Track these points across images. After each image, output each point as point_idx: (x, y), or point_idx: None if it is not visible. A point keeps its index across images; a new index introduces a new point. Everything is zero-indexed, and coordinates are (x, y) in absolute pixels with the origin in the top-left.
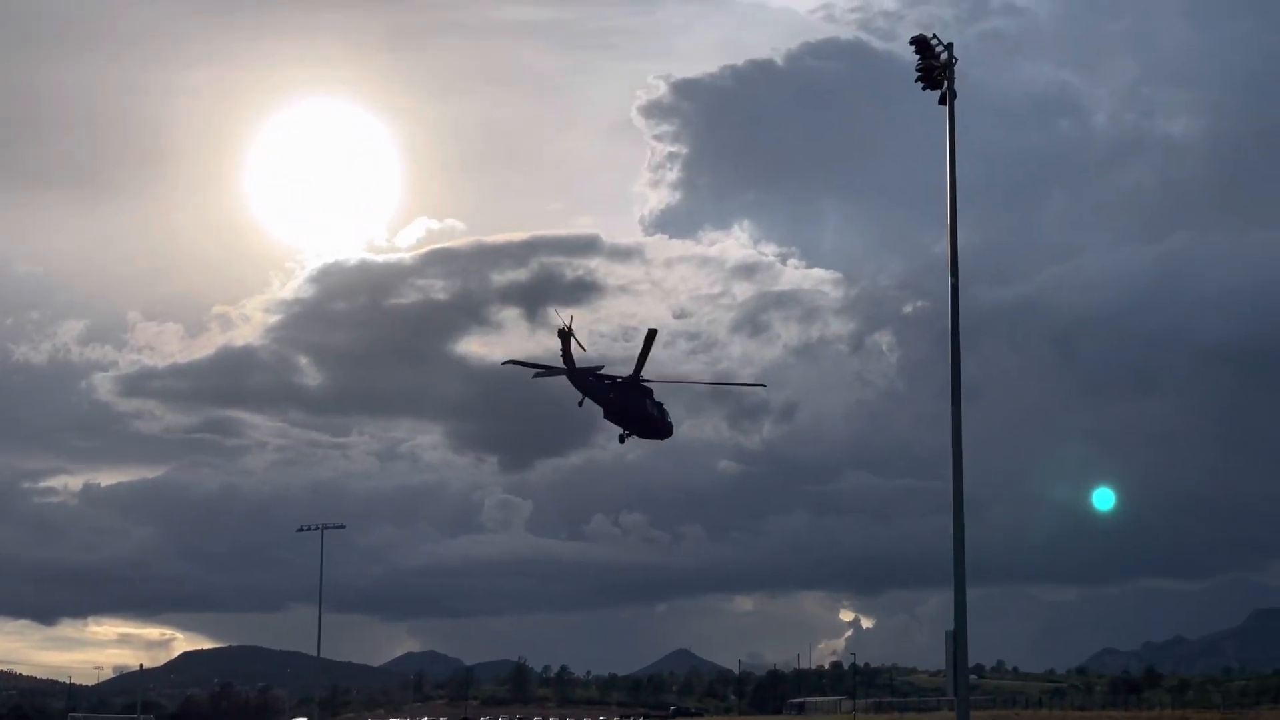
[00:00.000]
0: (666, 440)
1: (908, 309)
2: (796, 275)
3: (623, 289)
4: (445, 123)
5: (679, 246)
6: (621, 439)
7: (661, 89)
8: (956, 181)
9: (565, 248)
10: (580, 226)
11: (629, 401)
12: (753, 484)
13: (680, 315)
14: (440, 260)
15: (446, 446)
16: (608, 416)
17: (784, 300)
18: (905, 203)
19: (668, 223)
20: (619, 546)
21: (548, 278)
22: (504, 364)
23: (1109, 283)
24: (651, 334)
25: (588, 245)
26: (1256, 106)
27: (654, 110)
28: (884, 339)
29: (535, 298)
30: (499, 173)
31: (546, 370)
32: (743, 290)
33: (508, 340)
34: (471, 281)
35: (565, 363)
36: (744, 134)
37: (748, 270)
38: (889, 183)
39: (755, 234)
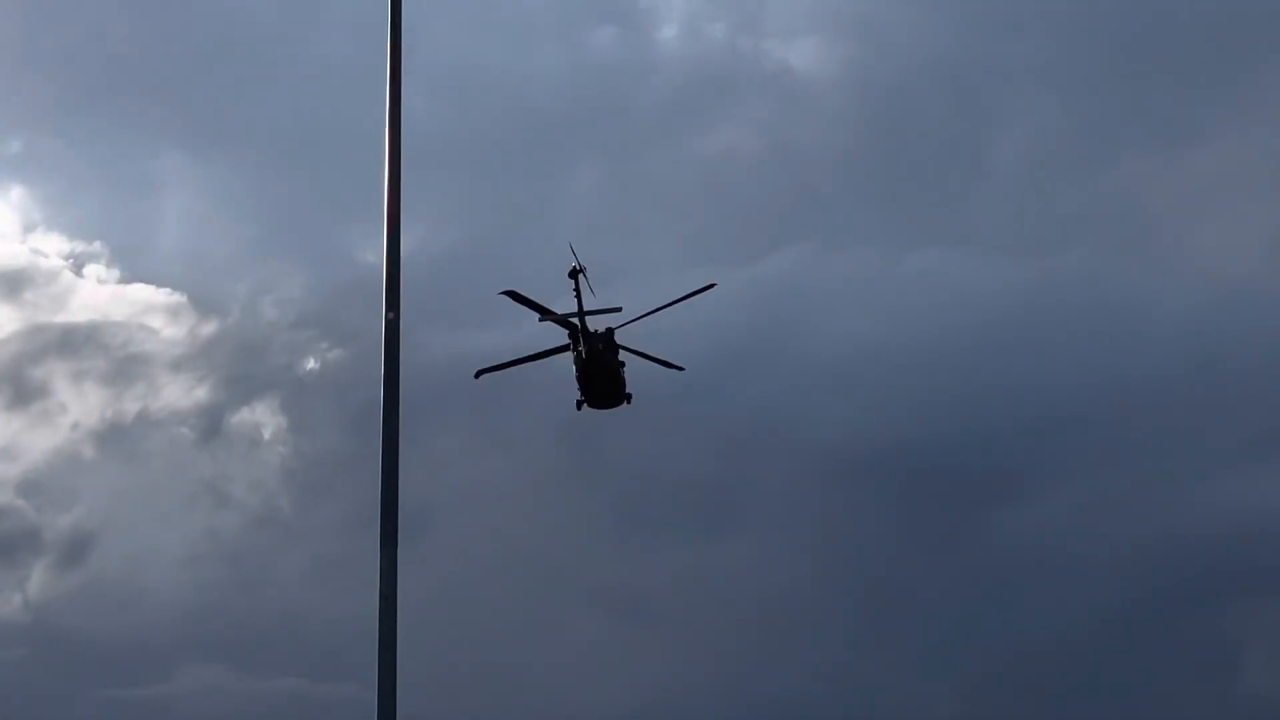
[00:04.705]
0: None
1: (310, 364)
2: (103, 295)
3: None
4: None
5: None
6: (580, 405)
7: None
8: (400, 129)
9: None
10: None
11: (609, 359)
12: (8, 683)
13: None
14: None
15: None
16: (580, 377)
17: (75, 341)
18: (314, 168)
19: None
20: None
21: None
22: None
23: (662, 330)
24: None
25: None
26: (930, 29)
27: None
28: (264, 418)
29: None
30: None
31: (555, 316)
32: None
33: None
34: None
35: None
36: (21, 13)
37: (11, 284)
38: (290, 122)
39: (30, 215)
